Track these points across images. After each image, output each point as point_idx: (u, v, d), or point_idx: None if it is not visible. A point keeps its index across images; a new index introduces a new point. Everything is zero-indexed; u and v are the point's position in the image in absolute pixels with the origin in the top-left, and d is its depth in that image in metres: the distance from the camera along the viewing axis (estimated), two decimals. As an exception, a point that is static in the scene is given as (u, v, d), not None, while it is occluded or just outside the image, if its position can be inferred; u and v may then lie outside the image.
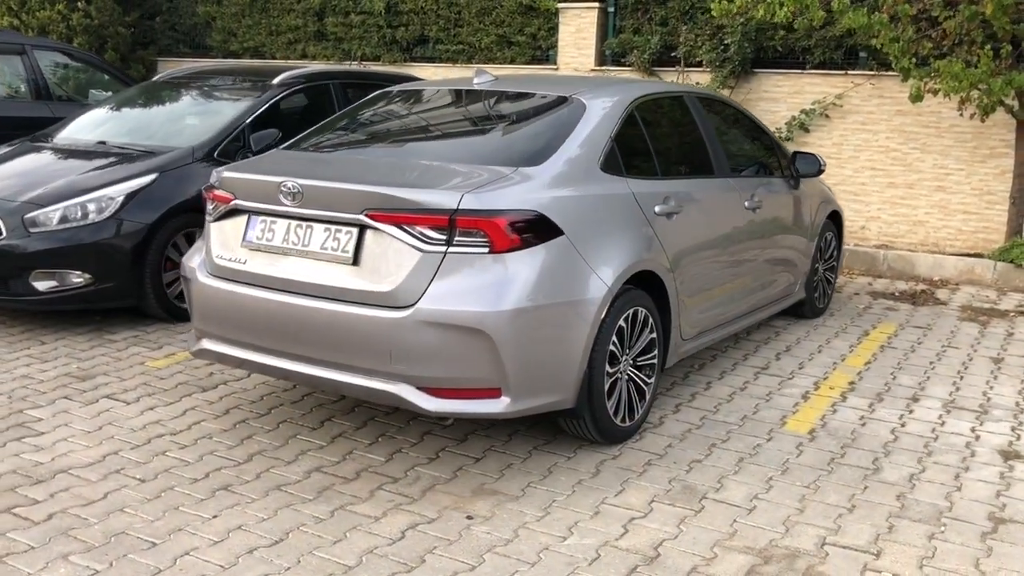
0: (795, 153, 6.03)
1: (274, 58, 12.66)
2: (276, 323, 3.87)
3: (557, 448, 4.20)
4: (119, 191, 5.85)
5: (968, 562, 3.31)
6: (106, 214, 5.78)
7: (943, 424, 4.64)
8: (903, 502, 3.77)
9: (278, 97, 6.91)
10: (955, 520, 3.62)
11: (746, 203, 5.28)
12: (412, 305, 3.59)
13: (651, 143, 4.65)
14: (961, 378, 5.38)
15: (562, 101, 4.45)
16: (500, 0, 10.94)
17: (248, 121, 6.61)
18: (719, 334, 5.16)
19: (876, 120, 9.19)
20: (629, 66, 10.20)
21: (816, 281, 6.47)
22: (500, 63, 11.10)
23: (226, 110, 6.83)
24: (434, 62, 11.46)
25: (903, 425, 4.61)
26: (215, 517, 3.50)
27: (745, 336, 6.06)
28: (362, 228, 3.72)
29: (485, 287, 3.59)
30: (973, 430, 4.57)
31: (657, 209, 4.40)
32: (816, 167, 5.96)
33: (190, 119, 7.01)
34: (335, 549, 3.30)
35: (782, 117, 9.53)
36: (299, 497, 3.70)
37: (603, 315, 3.92)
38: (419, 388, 3.63)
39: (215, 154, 6.35)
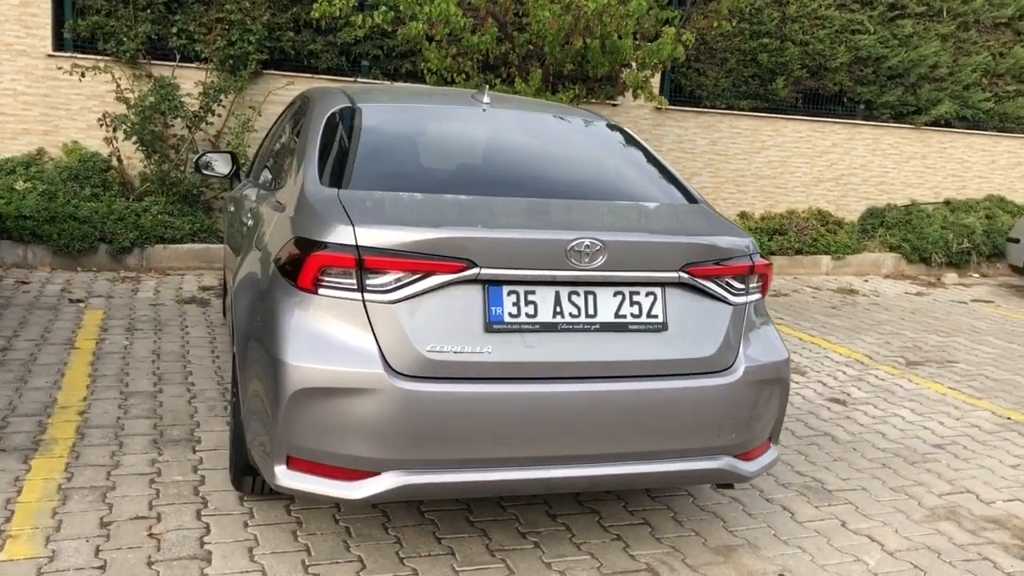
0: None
1: None
2: (551, 423, 2.93)
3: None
4: None
5: None
6: None
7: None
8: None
9: None
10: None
11: None
12: (732, 366, 3.19)
13: None
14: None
15: (607, 125, 4.17)
16: None
17: None
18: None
19: (385, 127, 9.62)
20: (108, 55, 8.55)
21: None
22: None
23: None
24: None
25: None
26: None
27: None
28: (664, 286, 3.10)
29: (773, 334, 3.41)
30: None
31: None
32: None
33: None
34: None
35: (291, 121, 9.24)
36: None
37: None
38: (736, 456, 3.26)
39: None
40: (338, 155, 3.46)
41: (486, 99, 4.02)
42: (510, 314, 2.92)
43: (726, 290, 3.20)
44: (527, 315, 2.94)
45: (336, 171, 3.34)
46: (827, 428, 5.07)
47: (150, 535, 3.30)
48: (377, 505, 3.57)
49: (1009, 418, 5.48)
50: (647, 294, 3.08)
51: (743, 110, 10.94)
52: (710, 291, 3.16)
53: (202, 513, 3.50)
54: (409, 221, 2.96)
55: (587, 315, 3.00)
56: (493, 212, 3.18)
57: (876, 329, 7.73)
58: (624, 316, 3.04)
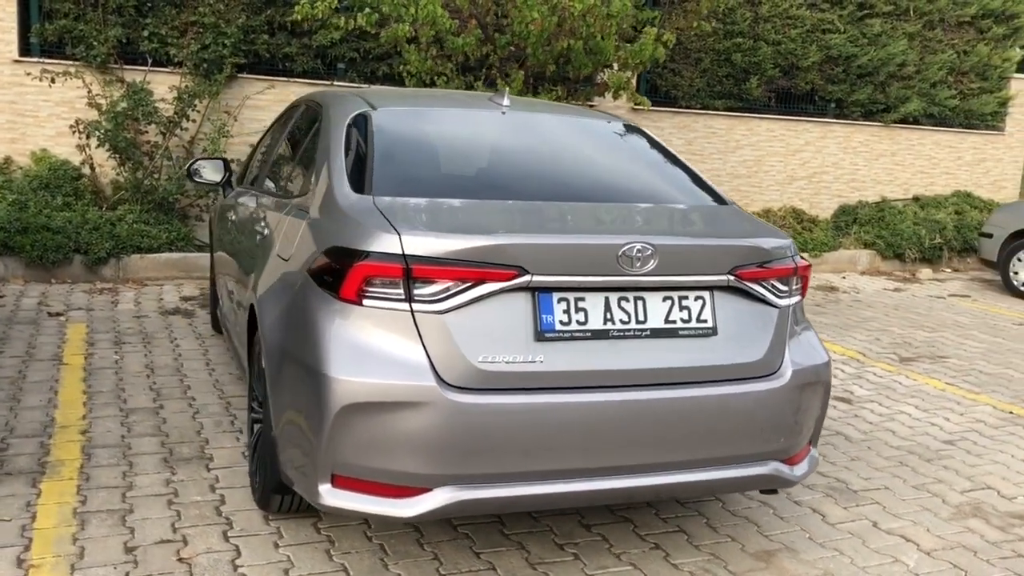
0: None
1: None
2: (606, 432, 2.86)
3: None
4: None
5: None
6: None
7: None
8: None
9: None
10: None
11: None
12: (778, 370, 3.14)
13: None
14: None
15: (625, 126, 4.10)
16: None
17: None
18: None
19: (362, 131, 9.47)
20: (78, 60, 8.30)
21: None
22: None
23: None
24: None
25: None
26: None
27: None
28: (712, 290, 3.05)
29: (813, 336, 3.37)
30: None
31: None
32: None
33: None
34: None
35: (267, 126, 9.05)
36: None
37: None
38: (782, 461, 3.21)
39: None
40: (366, 160, 3.34)
41: (505, 101, 3.93)
42: (561, 322, 2.84)
43: (771, 292, 3.15)
44: (578, 323, 2.86)
45: (366, 177, 3.22)
46: (838, 427, 5.06)
47: (180, 559, 3.16)
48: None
49: (1011, 412, 5.52)
50: (696, 298, 3.02)
51: (718, 110, 10.98)
52: (757, 294, 3.11)
53: (229, 534, 3.37)
54: (456, 228, 2.86)
55: (637, 321, 2.93)
56: (541, 217, 3.09)
57: (863, 326, 7.78)
58: (674, 321, 2.98)
